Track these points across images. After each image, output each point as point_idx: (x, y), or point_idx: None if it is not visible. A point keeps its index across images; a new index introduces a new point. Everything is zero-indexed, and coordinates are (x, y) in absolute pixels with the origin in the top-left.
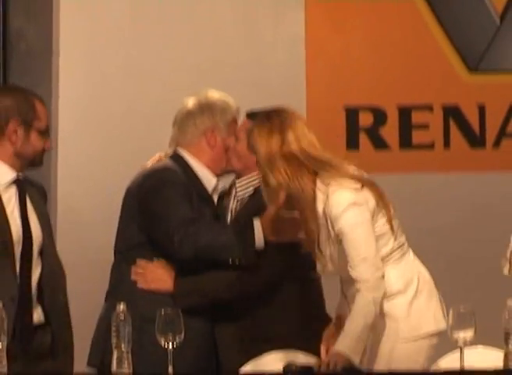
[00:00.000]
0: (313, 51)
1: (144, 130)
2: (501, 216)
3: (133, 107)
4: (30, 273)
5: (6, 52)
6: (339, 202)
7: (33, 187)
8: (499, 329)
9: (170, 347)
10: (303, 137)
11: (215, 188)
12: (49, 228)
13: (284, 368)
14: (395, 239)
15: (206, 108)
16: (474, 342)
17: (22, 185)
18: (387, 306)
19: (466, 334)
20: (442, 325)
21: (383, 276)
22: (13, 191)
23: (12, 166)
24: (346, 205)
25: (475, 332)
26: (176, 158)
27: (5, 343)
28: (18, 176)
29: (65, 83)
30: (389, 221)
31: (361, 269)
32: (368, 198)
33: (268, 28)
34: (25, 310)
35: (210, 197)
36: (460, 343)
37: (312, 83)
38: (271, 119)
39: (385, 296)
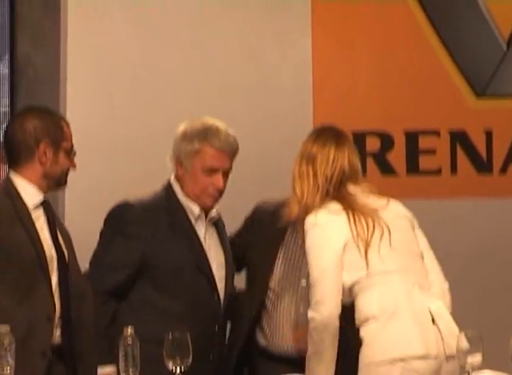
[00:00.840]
0: (320, 76)
1: (152, 153)
2: (507, 242)
3: (141, 131)
4: (68, 292)
5: (14, 78)
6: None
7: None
8: None
9: (178, 371)
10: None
11: (198, 216)
12: (73, 248)
13: None
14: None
15: (180, 135)
16: (481, 367)
17: (48, 206)
18: (362, 331)
19: (473, 359)
20: (412, 351)
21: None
22: (41, 211)
23: (40, 187)
24: (308, 226)
25: (483, 356)
26: (167, 185)
27: (13, 368)
28: (44, 197)
29: (73, 109)
30: (365, 252)
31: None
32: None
33: (275, 54)
34: (66, 330)
35: (191, 226)
36: (468, 367)
37: (319, 109)
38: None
39: (359, 321)
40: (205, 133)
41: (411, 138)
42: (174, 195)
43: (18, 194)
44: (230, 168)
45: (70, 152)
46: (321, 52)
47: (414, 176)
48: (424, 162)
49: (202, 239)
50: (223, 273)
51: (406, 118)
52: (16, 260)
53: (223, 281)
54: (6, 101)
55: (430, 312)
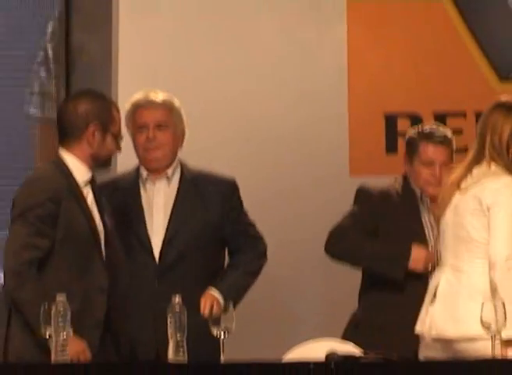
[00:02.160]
0: (354, 61)
1: (194, 137)
2: None
3: (190, 116)
4: (112, 263)
5: (69, 65)
6: None
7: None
8: None
9: (222, 336)
10: None
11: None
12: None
13: (327, 356)
14: None
15: None
16: None
17: (94, 183)
18: None
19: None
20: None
21: None
22: (89, 188)
23: (88, 165)
24: None
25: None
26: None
27: (71, 334)
28: (92, 175)
29: (125, 95)
30: None
31: None
32: None
33: (312, 39)
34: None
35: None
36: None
37: (354, 92)
38: None
39: None
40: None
41: (440, 119)
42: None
43: (69, 171)
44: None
45: (118, 136)
46: (356, 38)
47: None
48: None
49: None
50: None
51: (434, 100)
52: (73, 236)
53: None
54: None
55: (435, 290)
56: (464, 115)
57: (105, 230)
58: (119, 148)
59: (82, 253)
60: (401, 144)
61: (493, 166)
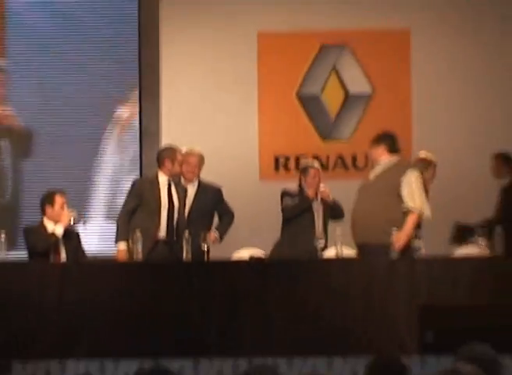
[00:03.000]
0: (263, 84)
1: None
2: None
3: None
4: (172, 216)
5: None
6: None
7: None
8: None
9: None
10: None
11: None
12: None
13: (249, 258)
14: None
15: None
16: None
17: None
18: None
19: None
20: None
21: None
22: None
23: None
24: None
25: None
26: None
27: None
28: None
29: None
30: None
31: None
32: None
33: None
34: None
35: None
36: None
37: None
38: None
39: None
40: None
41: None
42: None
43: (157, 176)
44: None
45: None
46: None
47: None
48: None
49: None
50: None
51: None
52: (151, 204)
53: None
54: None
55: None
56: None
57: (171, 203)
58: (181, 171)
59: (154, 212)
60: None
61: None
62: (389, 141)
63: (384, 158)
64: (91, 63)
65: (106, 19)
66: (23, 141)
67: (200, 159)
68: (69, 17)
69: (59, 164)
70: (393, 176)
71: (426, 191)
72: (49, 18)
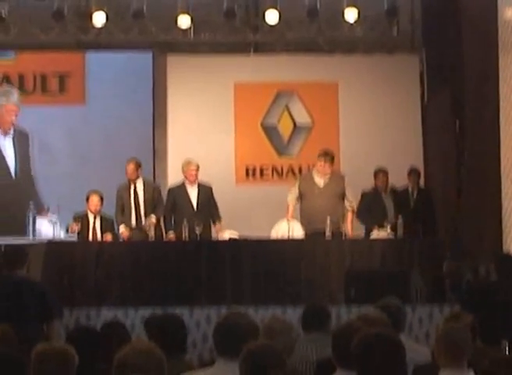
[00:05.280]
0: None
1: None
2: None
3: None
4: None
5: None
6: None
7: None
8: None
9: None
10: None
11: None
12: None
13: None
14: None
15: None
16: None
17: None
18: None
19: None
20: None
21: None
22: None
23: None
24: None
25: None
26: None
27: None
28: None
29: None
30: None
31: None
32: None
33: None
34: None
35: None
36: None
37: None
38: None
39: None
40: None
41: None
42: None
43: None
44: None
45: None
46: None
47: None
48: None
49: None
50: None
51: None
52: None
53: None
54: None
55: None
56: None
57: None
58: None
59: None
60: None
61: None
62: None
63: (331, 171)
64: None
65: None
66: None
67: (197, 168)
68: None
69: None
70: (338, 184)
71: None
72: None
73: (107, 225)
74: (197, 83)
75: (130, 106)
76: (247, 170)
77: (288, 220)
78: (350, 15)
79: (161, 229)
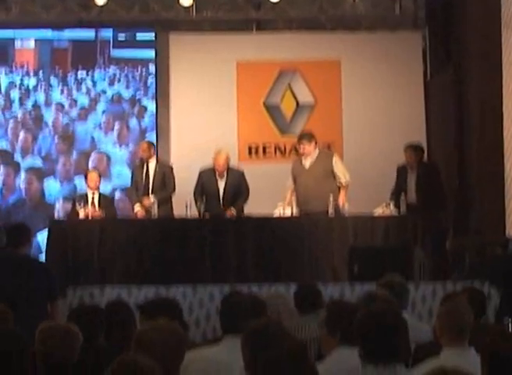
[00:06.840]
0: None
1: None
2: None
3: None
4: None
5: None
6: None
7: None
8: None
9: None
10: None
11: None
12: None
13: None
14: None
15: None
16: None
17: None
18: None
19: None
20: None
21: None
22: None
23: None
24: None
25: None
26: None
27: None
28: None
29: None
30: None
31: None
32: None
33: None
34: None
35: None
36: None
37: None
38: None
39: None
40: None
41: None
42: None
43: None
44: None
45: None
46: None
47: None
48: None
49: None
50: None
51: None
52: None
53: None
54: None
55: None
56: None
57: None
58: None
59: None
60: None
61: None
62: (315, 138)
63: (316, 151)
64: None
65: None
66: None
67: (227, 157)
68: None
69: None
70: (325, 162)
71: None
72: None
73: (105, 202)
74: (199, 62)
75: None
76: (250, 149)
77: (283, 207)
78: None
79: (170, 208)
